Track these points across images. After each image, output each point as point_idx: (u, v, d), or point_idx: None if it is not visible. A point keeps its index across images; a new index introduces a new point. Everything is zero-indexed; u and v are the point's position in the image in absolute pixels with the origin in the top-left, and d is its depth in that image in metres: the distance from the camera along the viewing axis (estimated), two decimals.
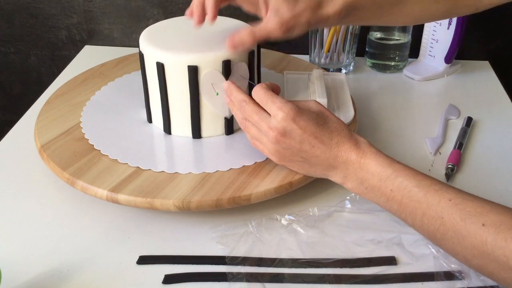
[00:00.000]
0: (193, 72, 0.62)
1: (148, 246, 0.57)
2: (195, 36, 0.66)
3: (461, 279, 0.52)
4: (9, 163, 0.69)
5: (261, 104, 0.58)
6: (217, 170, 0.61)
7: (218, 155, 0.64)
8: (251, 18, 0.74)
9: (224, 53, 0.62)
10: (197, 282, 0.53)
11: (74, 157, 0.62)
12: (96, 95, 0.75)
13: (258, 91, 0.58)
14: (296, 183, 0.60)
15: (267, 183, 0.59)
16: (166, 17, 0.96)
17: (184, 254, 0.56)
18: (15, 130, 0.76)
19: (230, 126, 0.67)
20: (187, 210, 0.57)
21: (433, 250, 0.55)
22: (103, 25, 0.99)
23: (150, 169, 0.61)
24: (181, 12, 0.96)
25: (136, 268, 0.54)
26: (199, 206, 0.57)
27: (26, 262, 0.55)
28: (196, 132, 0.66)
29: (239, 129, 0.68)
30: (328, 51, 0.88)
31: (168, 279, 0.53)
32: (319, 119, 0.56)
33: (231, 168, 0.61)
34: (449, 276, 0.53)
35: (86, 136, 0.66)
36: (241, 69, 0.64)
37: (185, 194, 0.57)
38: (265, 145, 0.58)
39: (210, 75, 0.62)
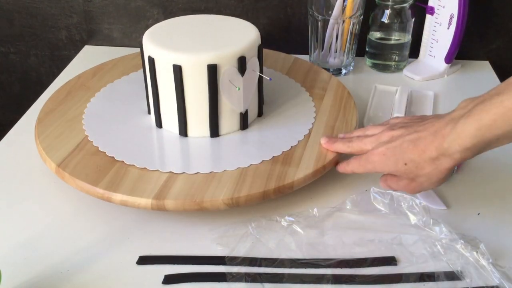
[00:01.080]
0: (213, 70, 0.62)
1: (148, 246, 0.57)
2: (202, 35, 0.67)
3: (461, 279, 0.52)
4: (9, 163, 0.69)
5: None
6: (251, 164, 0.62)
7: (243, 150, 0.65)
8: (245, 18, 0.74)
9: (239, 50, 0.63)
10: (197, 283, 0.53)
11: (100, 171, 0.60)
12: (89, 108, 0.73)
13: (352, 133, 0.64)
14: (328, 165, 0.63)
15: (303, 170, 0.61)
16: (166, 17, 0.96)
17: (184, 254, 0.56)
18: (15, 130, 0.76)
19: (245, 120, 0.68)
20: (236, 206, 0.58)
21: (433, 250, 0.55)
22: (103, 25, 0.99)
23: (184, 173, 0.60)
24: (181, 12, 0.96)
25: (136, 268, 0.54)
26: (248, 200, 0.58)
27: (26, 262, 0.55)
28: (215, 131, 0.67)
29: (253, 123, 0.70)
30: (334, 51, 0.88)
31: (168, 279, 0.53)
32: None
33: (263, 160, 0.62)
34: (449, 276, 0.53)
35: (101, 149, 0.64)
36: (253, 64, 0.66)
37: (231, 190, 0.58)
38: (377, 138, 0.58)
39: (228, 72, 0.63)
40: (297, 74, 0.82)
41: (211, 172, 0.60)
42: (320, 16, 0.85)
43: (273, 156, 0.63)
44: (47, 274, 0.53)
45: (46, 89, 0.86)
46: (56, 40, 1.02)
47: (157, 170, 0.61)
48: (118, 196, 0.57)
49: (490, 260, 0.53)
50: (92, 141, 0.65)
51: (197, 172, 0.60)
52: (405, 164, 0.55)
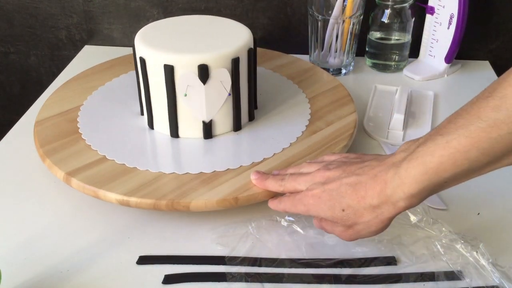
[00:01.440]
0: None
1: (148, 246, 0.57)
2: (194, 36, 0.66)
3: (461, 279, 0.52)
4: (9, 163, 0.69)
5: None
6: (252, 162, 0.62)
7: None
8: (245, 18, 0.74)
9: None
10: (197, 283, 0.53)
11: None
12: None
13: (286, 170, 0.58)
14: None
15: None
16: (166, 17, 0.95)
17: (184, 254, 0.56)
18: (15, 130, 0.76)
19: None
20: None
21: (433, 250, 0.55)
22: (103, 25, 0.99)
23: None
24: (180, 12, 0.96)
25: (136, 268, 0.54)
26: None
27: (26, 262, 0.55)
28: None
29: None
30: (334, 51, 0.88)
31: (168, 279, 0.53)
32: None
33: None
34: (449, 276, 0.53)
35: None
36: (221, 75, 0.63)
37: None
38: (312, 178, 0.53)
39: (185, 77, 0.62)
40: (295, 74, 0.82)
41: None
42: (320, 16, 0.85)
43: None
44: (47, 274, 0.53)
45: (46, 89, 0.86)
46: (56, 40, 1.02)
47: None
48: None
49: (490, 260, 0.53)
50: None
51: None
52: (343, 210, 0.49)
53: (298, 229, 0.58)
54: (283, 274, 0.53)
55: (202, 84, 0.62)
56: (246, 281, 0.52)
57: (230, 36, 0.66)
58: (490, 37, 0.95)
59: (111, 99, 0.75)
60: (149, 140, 0.67)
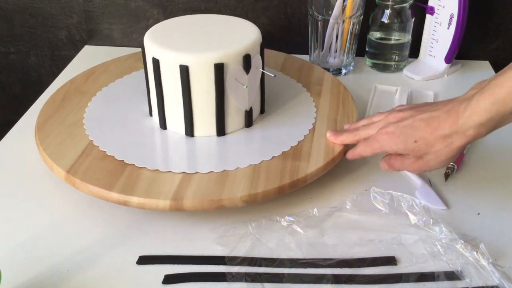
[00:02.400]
0: (220, 70, 0.62)
1: (148, 246, 0.57)
2: (205, 35, 0.67)
3: (461, 279, 0.52)
4: (9, 163, 0.69)
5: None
6: (262, 161, 0.62)
7: (252, 147, 0.66)
8: (245, 18, 0.74)
9: (244, 48, 0.64)
10: (197, 283, 0.53)
11: (111, 176, 0.60)
12: (87, 112, 0.72)
13: (357, 123, 0.63)
14: (337, 157, 0.63)
15: (314, 163, 0.62)
16: (166, 17, 0.96)
17: (184, 254, 0.56)
18: (15, 130, 0.76)
19: (250, 118, 0.68)
20: (253, 203, 0.58)
21: (433, 250, 0.55)
22: (103, 25, 0.99)
23: (197, 172, 0.60)
24: (181, 12, 0.96)
25: (136, 268, 0.54)
26: (265, 196, 0.58)
27: (26, 262, 0.55)
28: (221, 130, 0.67)
29: (256, 120, 0.71)
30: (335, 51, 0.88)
31: (168, 279, 0.53)
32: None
33: (273, 156, 0.63)
34: (449, 276, 0.53)
35: (109, 153, 0.63)
36: (257, 61, 0.66)
37: (248, 187, 0.58)
38: (385, 120, 0.58)
39: (234, 71, 0.63)
40: (295, 72, 0.82)
41: (224, 171, 0.61)
42: (320, 16, 0.85)
43: (283, 152, 0.64)
44: (47, 274, 0.53)
45: (46, 89, 0.86)
46: (56, 40, 1.02)
47: (170, 171, 0.60)
48: (134, 200, 0.57)
49: (490, 260, 0.53)
50: (98, 146, 0.65)
51: (211, 171, 0.61)
52: (415, 141, 0.54)
53: (298, 229, 0.58)
54: (283, 274, 0.53)
55: (246, 74, 0.65)
56: (246, 281, 0.52)
57: (242, 33, 0.67)
58: (490, 37, 0.95)
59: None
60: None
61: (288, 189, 0.59)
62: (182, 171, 0.60)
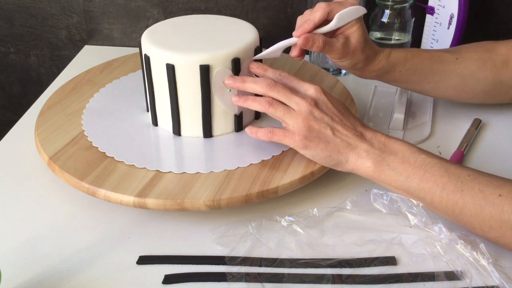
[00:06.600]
0: (205, 71, 0.62)
1: (148, 246, 0.57)
2: (199, 35, 0.67)
3: (461, 279, 0.52)
4: (9, 163, 0.69)
5: (290, 85, 0.62)
6: (238, 167, 0.61)
7: (234, 152, 0.64)
8: (245, 18, 0.74)
9: (234, 51, 0.63)
10: (197, 283, 0.53)
11: (88, 166, 0.61)
12: (91, 103, 0.73)
13: (286, 75, 0.62)
14: (317, 172, 0.62)
15: (290, 175, 0.60)
16: (166, 17, 0.96)
17: (184, 254, 0.56)
18: (15, 130, 0.76)
19: (240, 123, 0.67)
20: (217, 209, 0.57)
21: (433, 250, 0.55)
22: (103, 25, 0.99)
23: (170, 172, 0.60)
24: (181, 12, 0.96)
25: (136, 268, 0.54)
26: (230, 203, 0.57)
27: (26, 262, 0.55)
28: (208, 132, 0.66)
29: (250, 125, 0.68)
30: None
31: (168, 279, 0.53)
32: (345, 106, 0.62)
33: (251, 164, 0.62)
34: (449, 276, 0.53)
35: (94, 144, 0.64)
36: (249, 66, 0.65)
37: (213, 192, 0.57)
38: (293, 122, 0.58)
39: (221, 73, 0.63)
40: (295, 73, 0.82)
41: (197, 173, 0.60)
42: None
43: (262, 160, 0.62)
44: (47, 274, 0.53)
45: (46, 89, 0.86)
46: (56, 40, 1.02)
47: (145, 168, 0.61)
48: (102, 192, 0.58)
49: (490, 260, 0.53)
50: (87, 136, 0.66)
51: (184, 172, 0.60)
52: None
53: (298, 229, 0.58)
54: (283, 274, 0.53)
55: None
56: (246, 281, 0.52)
57: (236, 35, 0.66)
58: (490, 37, 0.95)
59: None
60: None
61: (256, 199, 0.58)
62: (156, 169, 0.61)
